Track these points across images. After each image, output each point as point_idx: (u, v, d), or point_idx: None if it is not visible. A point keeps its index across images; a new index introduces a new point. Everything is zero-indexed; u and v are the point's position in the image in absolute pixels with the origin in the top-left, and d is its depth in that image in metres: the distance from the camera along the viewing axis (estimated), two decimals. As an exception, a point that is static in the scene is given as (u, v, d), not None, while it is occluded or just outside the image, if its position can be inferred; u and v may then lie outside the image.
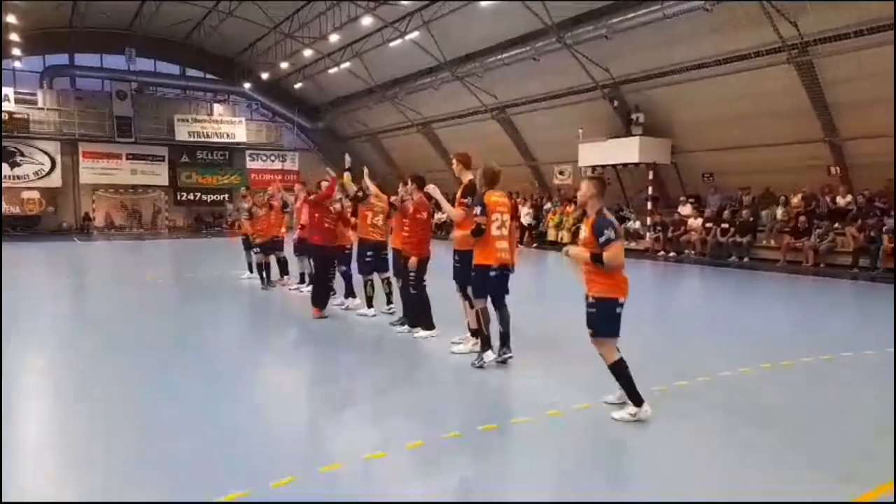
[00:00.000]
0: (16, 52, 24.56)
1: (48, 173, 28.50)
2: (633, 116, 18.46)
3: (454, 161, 6.56)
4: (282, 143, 33.49)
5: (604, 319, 4.49)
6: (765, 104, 15.40)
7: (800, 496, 3.48)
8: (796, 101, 14.81)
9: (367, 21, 21.04)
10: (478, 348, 6.10)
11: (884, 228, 13.35)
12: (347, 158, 8.95)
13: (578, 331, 4.88)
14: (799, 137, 15.34)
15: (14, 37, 23.01)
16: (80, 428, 4.62)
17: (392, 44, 21.72)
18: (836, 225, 14.47)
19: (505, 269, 5.93)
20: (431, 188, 6.75)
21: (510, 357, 6.04)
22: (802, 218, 14.92)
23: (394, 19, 20.97)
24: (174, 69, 31.15)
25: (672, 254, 17.54)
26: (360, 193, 8.32)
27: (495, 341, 6.08)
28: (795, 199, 15.68)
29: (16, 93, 27.39)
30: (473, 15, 18.92)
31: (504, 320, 6.05)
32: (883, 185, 14.42)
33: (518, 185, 24.30)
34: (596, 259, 4.44)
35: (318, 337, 7.83)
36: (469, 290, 6.14)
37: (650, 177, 18.87)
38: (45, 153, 28.38)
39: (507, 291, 6.04)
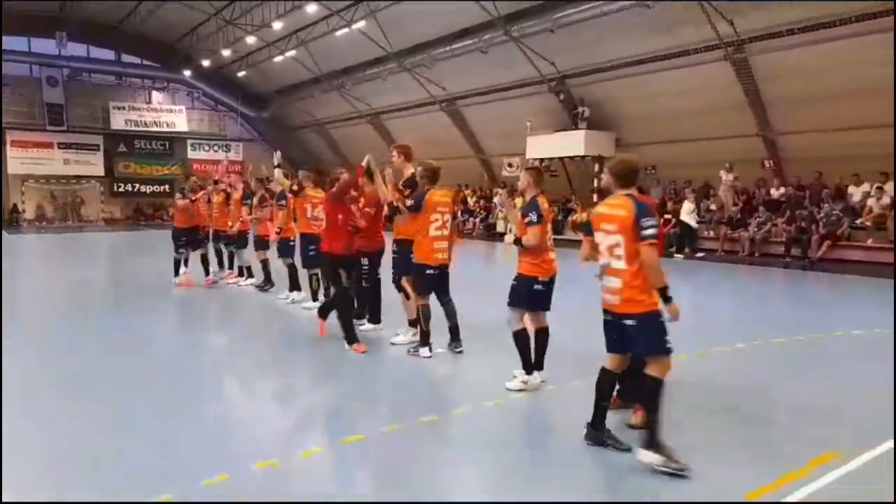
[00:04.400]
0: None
1: (-29, 163, 26.91)
2: (579, 110, 18.72)
3: (394, 153, 6.49)
4: (225, 133, 32.58)
5: (517, 292, 4.93)
6: (704, 99, 15.87)
7: (711, 485, 3.54)
8: (733, 97, 15.33)
9: (311, 9, 20.60)
10: (417, 338, 6.09)
11: (819, 216, 13.94)
12: (277, 155, 8.87)
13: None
14: (736, 132, 15.88)
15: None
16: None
17: (338, 33, 21.38)
18: (772, 216, 15.07)
19: (443, 268, 5.94)
20: (368, 158, 6.45)
21: (460, 351, 6.04)
22: (734, 208, 15.49)
23: (340, 8, 20.61)
24: (109, 55, 29.79)
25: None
26: (294, 188, 8.19)
27: (444, 336, 6.08)
28: (728, 178, 16.19)
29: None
30: (421, 5, 18.78)
31: (450, 314, 6.06)
32: (813, 178, 15.09)
33: (467, 177, 24.40)
34: (517, 242, 4.92)
35: (260, 331, 7.65)
36: (403, 281, 6.13)
37: (596, 169, 19.19)
38: (-31, 142, 26.76)
39: (447, 287, 6.06)
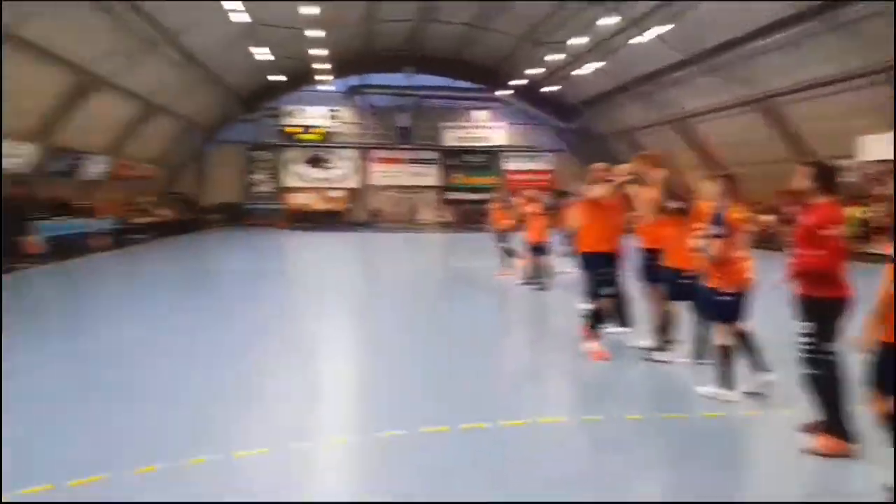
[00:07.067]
0: (328, 77, 29.57)
1: (350, 176, 34.57)
2: (927, 102, 15.38)
3: (638, 161, 6.57)
4: (537, 145, 35.19)
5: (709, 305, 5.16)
6: None
7: None
8: None
9: (610, 21, 21.04)
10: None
11: None
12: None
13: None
14: None
15: (324, 65, 27.67)
16: None
17: (635, 40, 21.38)
18: None
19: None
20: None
21: None
22: None
23: (637, 17, 20.65)
24: (444, 81, 34.79)
25: None
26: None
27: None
28: None
29: (331, 110, 33.69)
30: (721, 5, 17.75)
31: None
32: None
33: (784, 184, 21.82)
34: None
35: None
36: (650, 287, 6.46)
37: (949, 173, 15.52)
38: (348, 160, 34.54)
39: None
